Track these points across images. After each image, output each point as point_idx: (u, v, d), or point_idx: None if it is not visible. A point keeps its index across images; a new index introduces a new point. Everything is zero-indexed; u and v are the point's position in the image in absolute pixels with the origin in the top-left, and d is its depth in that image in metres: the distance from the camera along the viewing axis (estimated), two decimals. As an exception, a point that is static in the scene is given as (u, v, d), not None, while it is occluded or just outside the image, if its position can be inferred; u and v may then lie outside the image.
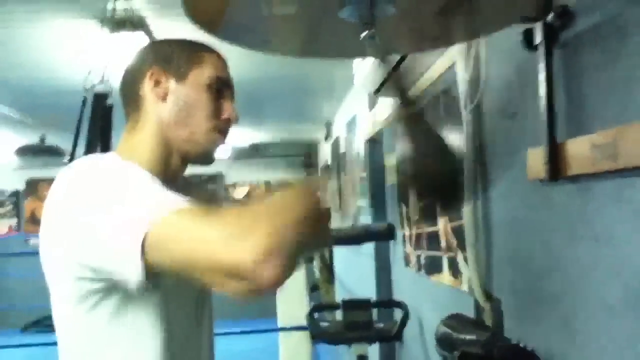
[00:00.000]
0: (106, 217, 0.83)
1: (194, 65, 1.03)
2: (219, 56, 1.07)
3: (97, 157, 1.01)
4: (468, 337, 1.32)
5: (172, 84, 1.03)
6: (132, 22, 2.72)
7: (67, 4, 2.69)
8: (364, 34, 0.97)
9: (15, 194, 8.75)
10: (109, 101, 2.45)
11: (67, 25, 2.97)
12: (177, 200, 0.82)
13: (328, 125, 6.49)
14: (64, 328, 0.97)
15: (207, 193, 1.28)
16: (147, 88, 1.03)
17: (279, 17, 1.04)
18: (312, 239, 0.86)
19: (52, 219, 0.91)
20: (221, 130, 1.06)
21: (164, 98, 1.03)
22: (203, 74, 1.03)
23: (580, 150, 1.08)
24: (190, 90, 1.03)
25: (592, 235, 1.08)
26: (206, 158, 1.07)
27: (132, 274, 0.80)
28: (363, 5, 0.96)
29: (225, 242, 0.73)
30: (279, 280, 0.73)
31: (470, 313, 1.68)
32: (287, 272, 0.74)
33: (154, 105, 1.03)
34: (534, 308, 1.33)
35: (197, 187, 1.21)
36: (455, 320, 1.46)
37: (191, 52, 1.05)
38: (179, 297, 1.01)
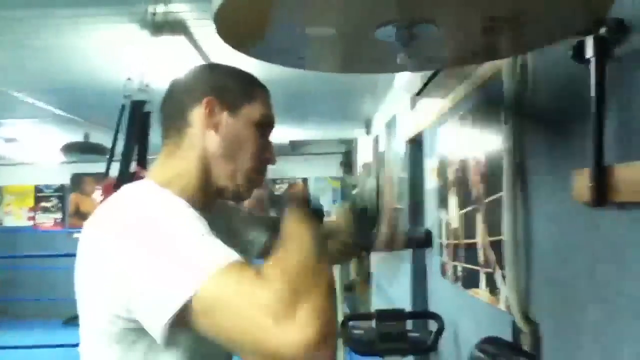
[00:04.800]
0: (152, 265, 0.79)
1: (247, 99, 1.01)
2: (268, 93, 1.05)
3: (138, 189, 0.95)
4: (505, 364, 1.27)
5: (225, 116, 0.99)
6: (172, 26, 2.74)
7: (109, 9, 2.74)
8: (400, 56, 0.93)
9: (61, 189, 9.00)
10: (147, 107, 2.48)
11: (110, 30, 3.02)
12: (225, 254, 0.78)
13: (368, 122, 6.44)
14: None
15: (241, 215, 1.27)
16: (198, 115, 0.99)
17: (313, 38, 1.01)
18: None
19: (95, 250, 0.87)
20: (260, 172, 1.04)
21: (215, 129, 0.99)
22: (255, 110, 1.01)
23: (630, 175, 1.02)
24: (242, 125, 1.00)
25: (641, 266, 1.02)
26: (240, 198, 1.05)
27: (158, 328, 0.78)
28: (401, 26, 0.92)
29: (273, 323, 0.70)
30: None
31: (507, 333, 1.62)
32: (334, 349, 0.71)
33: (202, 134, 0.99)
34: (575, 336, 1.27)
35: (231, 210, 1.20)
36: (490, 345, 1.41)
37: (245, 85, 1.02)
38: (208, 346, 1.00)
